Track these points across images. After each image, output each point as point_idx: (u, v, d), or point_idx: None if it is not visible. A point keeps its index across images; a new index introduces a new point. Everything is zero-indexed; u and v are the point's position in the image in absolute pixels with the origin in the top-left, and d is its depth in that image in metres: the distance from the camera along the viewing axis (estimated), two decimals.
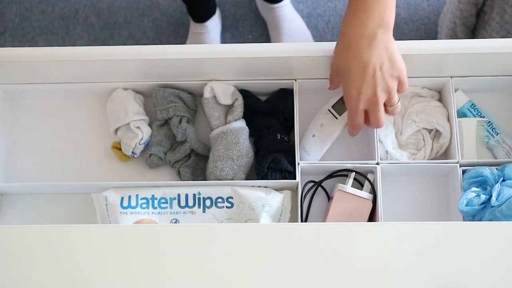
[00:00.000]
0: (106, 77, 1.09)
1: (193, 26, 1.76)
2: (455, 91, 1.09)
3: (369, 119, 0.98)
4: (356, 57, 0.93)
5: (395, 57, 0.94)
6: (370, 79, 0.93)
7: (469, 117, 1.09)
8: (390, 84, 0.95)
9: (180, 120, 1.08)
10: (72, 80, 1.10)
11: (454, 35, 1.45)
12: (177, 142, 1.09)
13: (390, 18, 0.92)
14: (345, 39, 0.94)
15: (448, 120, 1.08)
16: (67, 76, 1.09)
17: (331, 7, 1.83)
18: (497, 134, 1.08)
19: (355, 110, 0.96)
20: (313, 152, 1.06)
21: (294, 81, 1.09)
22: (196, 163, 1.08)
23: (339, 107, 1.04)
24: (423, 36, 1.78)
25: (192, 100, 1.10)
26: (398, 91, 0.97)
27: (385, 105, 0.97)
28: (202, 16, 1.73)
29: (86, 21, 1.84)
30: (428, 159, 1.08)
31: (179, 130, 1.07)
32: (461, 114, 1.09)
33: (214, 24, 1.75)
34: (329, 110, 1.05)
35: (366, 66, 0.92)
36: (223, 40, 1.82)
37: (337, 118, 1.04)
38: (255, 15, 1.83)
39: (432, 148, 1.08)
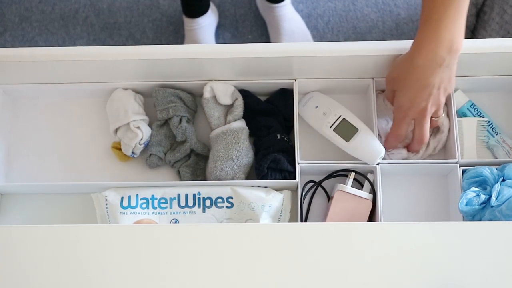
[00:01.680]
0: (106, 77, 1.09)
1: (186, 23, 1.76)
2: (455, 91, 1.09)
3: (414, 132, 1.03)
4: (420, 79, 0.97)
5: (453, 76, 0.99)
6: (426, 95, 0.98)
7: (469, 116, 1.09)
8: (442, 99, 1.00)
9: (180, 120, 1.08)
10: (72, 80, 1.09)
11: None
12: (177, 142, 1.09)
13: (459, 44, 0.96)
14: (414, 60, 0.97)
15: (447, 115, 1.08)
16: (67, 76, 1.09)
17: (331, 7, 1.83)
18: (497, 134, 1.08)
19: (403, 119, 1.01)
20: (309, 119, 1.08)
21: (294, 81, 1.09)
22: (196, 163, 1.08)
23: (342, 130, 1.05)
24: None
25: (192, 100, 1.10)
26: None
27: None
28: (194, 12, 1.73)
29: (86, 21, 1.84)
30: (426, 155, 1.08)
31: (179, 130, 1.07)
32: (461, 114, 1.09)
33: (206, 21, 1.75)
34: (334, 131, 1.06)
35: (427, 87, 0.97)
36: (222, 40, 1.82)
37: (347, 142, 1.05)
38: (255, 15, 1.83)
39: (429, 144, 1.08)
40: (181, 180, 1.08)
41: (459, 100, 1.09)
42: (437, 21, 0.94)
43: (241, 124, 1.08)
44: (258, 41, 1.81)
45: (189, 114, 1.09)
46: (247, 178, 1.07)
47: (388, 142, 1.05)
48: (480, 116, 1.09)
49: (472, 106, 1.09)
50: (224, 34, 1.82)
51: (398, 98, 1.00)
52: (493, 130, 1.08)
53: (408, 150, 1.06)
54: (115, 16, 1.84)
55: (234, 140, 1.05)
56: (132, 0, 1.86)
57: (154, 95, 1.08)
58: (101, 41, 1.82)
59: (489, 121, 1.08)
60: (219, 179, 1.05)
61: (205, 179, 1.07)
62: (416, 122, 1.01)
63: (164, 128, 1.09)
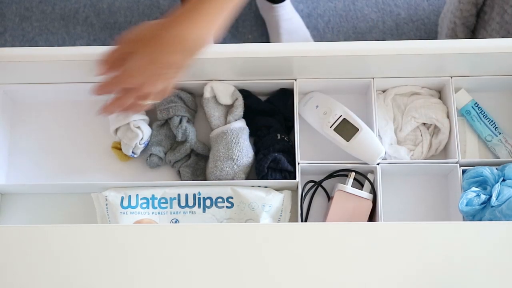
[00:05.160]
0: None
1: None
2: (458, 90, 1.09)
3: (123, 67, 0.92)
4: (160, 51, 0.89)
5: (182, 70, 0.92)
6: (151, 75, 0.90)
7: (473, 115, 1.09)
8: (158, 87, 0.91)
9: (180, 120, 1.08)
10: (72, 80, 1.09)
11: (454, 35, 1.45)
12: (177, 142, 1.09)
13: (205, 40, 0.90)
14: (167, 30, 0.90)
15: (448, 116, 1.08)
16: (67, 76, 1.09)
17: (331, 7, 1.83)
18: (499, 134, 1.08)
19: (122, 74, 0.91)
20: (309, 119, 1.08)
21: (294, 81, 1.09)
22: (196, 163, 1.08)
23: (343, 129, 1.05)
24: (423, 36, 1.78)
25: (192, 100, 1.10)
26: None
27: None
28: None
29: (86, 21, 1.84)
30: (426, 156, 1.08)
31: (179, 130, 1.07)
32: (465, 113, 1.09)
33: None
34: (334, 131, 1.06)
35: (161, 62, 0.90)
36: (222, 40, 1.81)
37: (347, 141, 1.05)
38: (255, 15, 1.83)
39: (430, 145, 1.08)
40: (181, 180, 1.08)
41: (463, 99, 1.10)
42: (197, 7, 0.88)
43: (241, 124, 1.07)
44: (258, 41, 1.81)
45: (189, 114, 1.09)
46: (247, 178, 1.07)
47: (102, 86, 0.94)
48: (483, 116, 1.09)
49: (475, 105, 1.09)
50: (224, 34, 1.82)
51: (129, 60, 0.90)
52: (496, 129, 1.08)
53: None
54: (115, 16, 1.84)
55: (234, 140, 1.05)
56: (132, 0, 1.86)
57: None
58: (101, 41, 1.82)
59: (492, 121, 1.09)
60: (219, 179, 1.05)
61: (205, 179, 1.07)
62: (131, 66, 0.90)
63: (165, 128, 1.09)
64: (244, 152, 1.05)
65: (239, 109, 1.08)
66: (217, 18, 0.90)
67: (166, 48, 0.90)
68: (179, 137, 1.07)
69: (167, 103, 1.07)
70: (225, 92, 1.08)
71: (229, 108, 1.09)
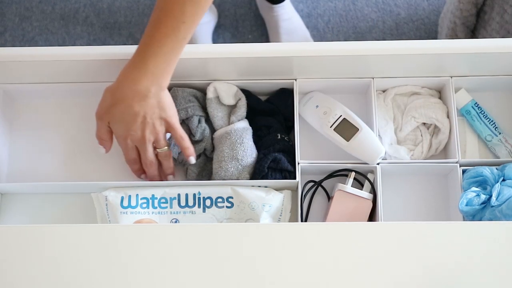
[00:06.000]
0: (106, 77, 1.09)
1: None
2: (458, 90, 1.09)
3: (141, 158, 1.04)
4: (127, 107, 0.98)
5: (165, 105, 0.99)
6: (139, 124, 0.99)
7: (473, 115, 1.09)
8: (159, 128, 1.00)
9: (199, 119, 1.07)
10: (72, 80, 1.10)
11: (454, 35, 1.45)
12: (192, 141, 1.08)
13: (165, 82, 0.98)
14: (119, 89, 0.98)
15: (448, 116, 1.08)
16: (67, 76, 1.09)
17: (331, 7, 1.83)
18: (499, 133, 1.08)
19: (126, 147, 1.02)
20: (309, 119, 1.08)
21: (294, 81, 1.09)
22: (205, 164, 1.08)
23: (343, 129, 1.05)
24: (423, 36, 1.78)
25: (204, 99, 1.10)
26: (176, 139, 1.03)
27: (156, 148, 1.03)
28: None
29: (86, 21, 1.84)
30: (426, 155, 1.08)
31: (198, 130, 1.07)
32: (465, 113, 1.09)
33: (203, 19, 1.74)
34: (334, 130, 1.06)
35: (136, 116, 0.98)
36: (222, 40, 1.82)
37: (347, 141, 1.05)
38: (255, 15, 1.83)
39: (431, 145, 1.08)
40: (186, 178, 1.07)
41: (463, 99, 1.10)
42: (150, 55, 0.96)
43: (244, 124, 1.07)
44: (258, 41, 1.81)
45: (205, 113, 1.09)
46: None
47: (130, 168, 1.06)
48: (484, 116, 1.09)
49: (475, 105, 1.10)
50: (224, 34, 1.82)
51: (114, 129, 1.01)
52: (496, 129, 1.08)
53: (147, 177, 1.07)
54: (115, 15, 1.84)
55: (238, 140, 1.05)
56: (133, 0, 1.86)
57: (174, 95, 1.07)
58: (101, 41, 1.82)
59: (492, 121, 1.09)
60: (223, 179, 1.04)
61: (209, 180, 1.07)
62: (139, 149, 1.02)
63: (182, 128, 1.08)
64: (249, 152, 1.05)
65: (242, 109, 1.08)
66: (161, 67, 0.97)
67: (124, 101, 0.98)
68: (197, 136, 1.07)
69: (185, 102, 1.07)
70: (228, 92, 1.08)
71: (232, 108, 1.09)
